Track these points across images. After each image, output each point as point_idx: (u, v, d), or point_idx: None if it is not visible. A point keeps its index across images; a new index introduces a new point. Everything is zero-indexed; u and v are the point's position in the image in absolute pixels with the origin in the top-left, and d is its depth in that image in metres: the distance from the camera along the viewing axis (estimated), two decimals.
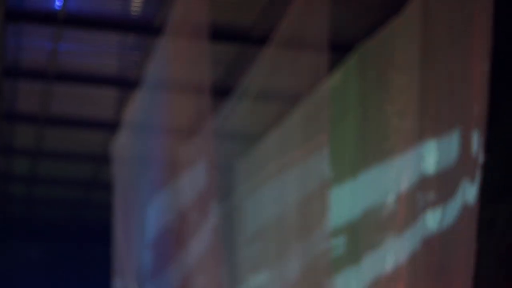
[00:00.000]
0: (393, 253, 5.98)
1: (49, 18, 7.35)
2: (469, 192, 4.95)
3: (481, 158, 4.93)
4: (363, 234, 6.54)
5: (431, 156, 5.63)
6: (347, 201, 6.88)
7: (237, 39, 7.46)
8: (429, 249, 5.38)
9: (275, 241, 7.63)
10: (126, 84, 8.61)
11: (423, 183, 5.61)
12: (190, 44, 6.61)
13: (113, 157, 9.10)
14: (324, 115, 6.45)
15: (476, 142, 4.98)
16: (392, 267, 5.97)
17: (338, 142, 7.12)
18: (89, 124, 9.78)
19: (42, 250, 14.83)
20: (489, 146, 4.99)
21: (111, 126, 9.61)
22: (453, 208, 5.17)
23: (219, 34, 7.29)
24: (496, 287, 5.44)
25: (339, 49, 7.20)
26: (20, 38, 7.81)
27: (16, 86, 8.83)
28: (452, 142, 5.32)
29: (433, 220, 5.42)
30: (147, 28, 7.48)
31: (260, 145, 8.32)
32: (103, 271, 10.12)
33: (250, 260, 8.65)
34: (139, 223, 8.66)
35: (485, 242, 5.17)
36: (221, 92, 8.25)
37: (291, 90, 6.81)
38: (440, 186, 5.43)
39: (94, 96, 9.11)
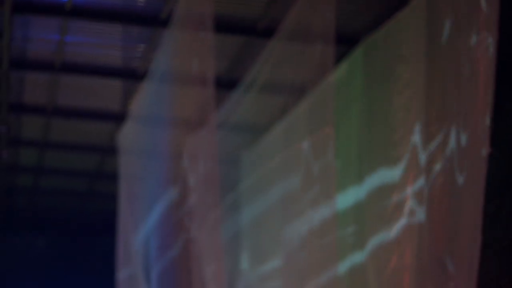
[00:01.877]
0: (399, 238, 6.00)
1: (55, 10, 7.36)
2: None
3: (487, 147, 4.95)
4: (369, 221, 6.54)
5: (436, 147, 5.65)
6: (352, 190, 6.90)
7: (244, 31, 7.47)
8: (434, 236, 5.41)
9: (281, 225, 7.66)
10: (131, 75, 8.63)
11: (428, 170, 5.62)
12: (195, 37, 6.63)
13: (119, 148, 9.13)
14: (329, 107, 6.46)
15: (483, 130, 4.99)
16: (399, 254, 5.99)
17: (343, 134, 7.13)
18: (95, 115, 9.80)
19: (47, 241, 14.87)
20: (494, 139, 5.01)
21: (117, 118, 9.64)
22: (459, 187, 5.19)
23: (226, 26, 7.31)
24: (499, 280, 5.45)
25: (345, 42, 7.22)
26: (26, 30, 7.83)
27: (23, 77, 8.86)
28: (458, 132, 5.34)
29: (439, 206, 5.45)
30: (152, 20, 7.50)
31: (266, 136, 8.34)
32: (108, 261, 10.15)
33: (257, 244, 8.66)
34: (144, 213, 8.69)
35: (489, 235, 5.18)
36: (227, 84, 8.27)
37: (297, 83, 6.82)
38: (446, 175, 5.44)
39: (100, 87, 9.13)
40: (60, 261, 14.77)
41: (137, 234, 8.69)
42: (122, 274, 9.02)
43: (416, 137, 5.90)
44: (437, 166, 5.58)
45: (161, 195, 8.53)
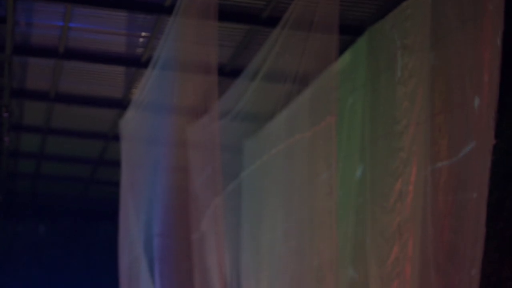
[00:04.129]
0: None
1: None
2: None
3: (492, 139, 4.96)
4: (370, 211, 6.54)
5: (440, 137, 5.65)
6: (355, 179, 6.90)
7: (248, 20, 7.46)
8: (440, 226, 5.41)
9: (283, 213, 7.68)
10: (135, 63, 8.63)
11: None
12: (199, 25, 6.62)
13: (122, 135, 9.12)
14: (333, 96, 6.46)
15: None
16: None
17: (346, 123, 7.13)
18: (97, 102, 9.80)
19: (48, 227, 14.90)
20: (498, 130, 5.01)
21: (120, 104, 9.65)
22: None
23: (230, 14, 7.30)
24: (501, 272, 5.46)
25: (349, 31, 7.21)
26: (30, 16, 7.82)
27: (25, 63, 8.86)
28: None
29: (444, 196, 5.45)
30: (156, 8, 7.49)
31: (269, 125, 8.34)
32: (109, 248, 10.17)
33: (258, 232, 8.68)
34: (146, 200, 8.70)
35: (491, 227, 5.19)
36: (231, 72, 8.27)
37: (301, 72, 6.82)
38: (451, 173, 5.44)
39: (103, 74, 9.13)
40: (61, 247, 14.81)
41: (139, 220, 8.70)
42: (124, 260, 9.02)
43: (420, 128, 5.89)
44: (441, 158, 5.59)
45: (163, 182, 8.54)
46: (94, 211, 14.60)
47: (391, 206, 6.13)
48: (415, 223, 5.72)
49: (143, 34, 8.15)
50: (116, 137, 9.62)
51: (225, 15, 7.08)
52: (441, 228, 5.39)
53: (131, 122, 8.88)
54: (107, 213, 12.59)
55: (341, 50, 6.94)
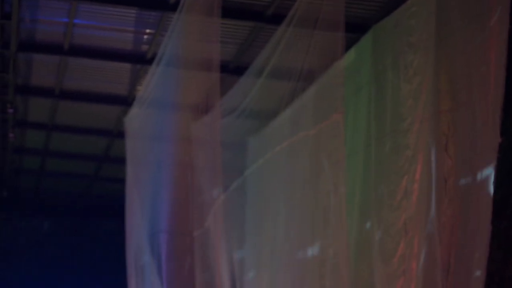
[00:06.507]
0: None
1: None
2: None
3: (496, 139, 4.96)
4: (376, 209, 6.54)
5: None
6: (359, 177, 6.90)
7: (252, 17, 7.47)
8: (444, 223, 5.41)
9: (287, 210, 7.69)
10: (140, 59, 8.64)
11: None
12: (203, 22, 6.64)
13: (126, 132, 9.14)
14: (339, 94, 6.46)
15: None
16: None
17: (351, 121, 7.13)
18: (102, 98, 9.81)
19: (52, 224, 14.92)
20: (503, 128, 5.01)
21: (125, 101, 9.66)
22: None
23: (234, 11, 7.31)
24: (504, 271, 5.46)
25: (354, 28, 7.21)
26: (35, 12, 7.83)
27: (30, 59, 8.87)
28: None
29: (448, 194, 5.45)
30: (161, 5, 7.50)
31: (274, 122, 8.34)
32: (114, 245, 10.19)
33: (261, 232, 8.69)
34: (151, 197, 8.72)
35: (494, 225, 5.19)
36: (236, 70, 8.27)
37: (305, 69, 6.82)
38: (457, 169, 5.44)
39: (108, 71, 9.14)
40: (64, 244, 14.82)
41: (145, 217, 8.72)
42: (131, 256, 9.04)
43: (425, 126, 5.89)
44: (447, 156, 5.59)
45: (168, 179, 8.56)
46: (98, 208, 14.61)
47: (397, 204, 6.13)
48: (421, 221, 5.72)
49: (148, 31, 8.15)
50: (120, 134, 9.63)
51: (229, 12, 7.09)
52: (446, 226, 5.39)
53: (136, 119, 8.90)
54: (111, 210, 12.60)
55: (346, 48, 6.94)
